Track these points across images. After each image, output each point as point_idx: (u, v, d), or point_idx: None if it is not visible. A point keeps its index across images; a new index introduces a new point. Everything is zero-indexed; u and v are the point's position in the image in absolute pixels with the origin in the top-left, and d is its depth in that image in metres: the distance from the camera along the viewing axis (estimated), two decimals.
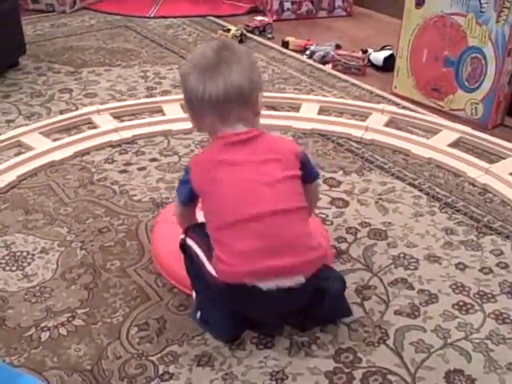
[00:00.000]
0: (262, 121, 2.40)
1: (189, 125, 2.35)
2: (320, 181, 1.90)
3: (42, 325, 1.46)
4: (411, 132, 2.37)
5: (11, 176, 2.03)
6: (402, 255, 1.71)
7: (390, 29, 3.22)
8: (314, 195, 1.61)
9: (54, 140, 2.28)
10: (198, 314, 1.45)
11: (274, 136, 1.54)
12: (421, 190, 2.01)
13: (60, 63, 3.00)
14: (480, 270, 1.65)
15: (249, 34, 3.35)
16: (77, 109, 2.54)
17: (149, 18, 3.69)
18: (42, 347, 1.40)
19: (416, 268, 1.66)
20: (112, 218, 1.85)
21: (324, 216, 1.87)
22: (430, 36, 2.55)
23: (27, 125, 2.39)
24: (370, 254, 1.71)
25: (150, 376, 1.33)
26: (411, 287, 1.59)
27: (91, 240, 1.75)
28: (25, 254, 1.70)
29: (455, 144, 2.28)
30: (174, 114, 2.46)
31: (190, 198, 1.46)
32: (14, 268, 1.65)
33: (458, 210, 1.91)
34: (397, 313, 1.51)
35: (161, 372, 1.34)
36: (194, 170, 1.42)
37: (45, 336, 1.43)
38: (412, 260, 1.69)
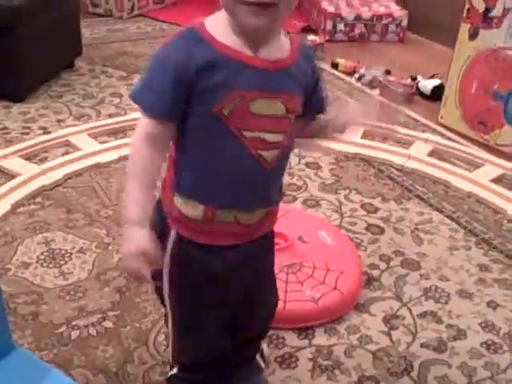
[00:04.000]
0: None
1: None
2: None
3: (74, 323, 1.50)
4: (454, 164, 2.35)
5: (58, 174, 2.09)
6: (433, 288, 1.70)
7: (441, 57, 3.20)
8: None
9: (101, 142, 2.34)
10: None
11: None
12: (458, 224, 2.00)
13: (113, 67, 3.07)
14: None
15: None
16: (125, 113, 2.59)
17: None
18: (72, 345, 1.43)
19: (447, 302, 1.65)
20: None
21: (359, 241, 1.87)
22: (481, 69, 2.53)
23: (77, 125, 2.45)
24: (402, 284, 1.71)
25: None
26: (440, 321, 1.58)
27: None
28: (63, 252, 1.75)
29: (498, 180, 2.26)
30: None
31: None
32: (51, 265, 1.69)
33: (495, 248, 1.89)
34: (423, 345, 1.51)
35: None
36: None
37: (75, 334, 1.46)
38: (443, 293, 1.68)
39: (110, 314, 1.54)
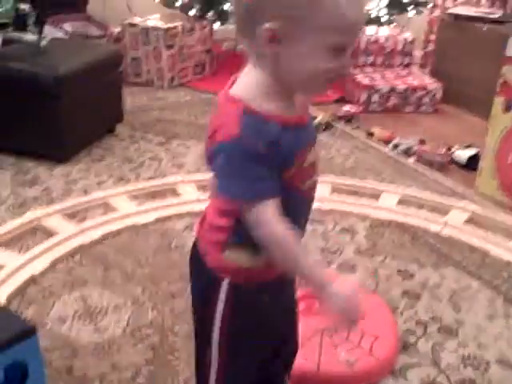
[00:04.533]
0: (340, 206, 2.42)
1: None
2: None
3: (107, 379, 1.49)
4: (491, 232, 2.33)
5: (96, 233, 2.13)
6: (472, 355, 1.66)
7: (476, 129, 3.23)
8: None
9: (139, 204, 2.38)
10: None
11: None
12: (497, 292, 1.96)
13: (153, 133, 3.16)
14: None
15: (335, 124, 3.43)
16: (164, 177, 2.65)
17: None
18: None
19: (486, 370, 1.61)
20: (185, 284, 1.89)
21: (395, 307, 1.85)
22: None
23: (116, 187, 2.51)
24: (439, 350, 1.67)
25: None
26: None
27: (163, 302, 1.80)
28: (99, 308, 1.76)
29: None
30: None
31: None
32: (87, 321, 1.71)
33: None
34: None
35: None
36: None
37: None
38: (482, 361, 1.64)
39: (143, 370, 1.53)
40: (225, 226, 1.03)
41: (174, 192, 2.51)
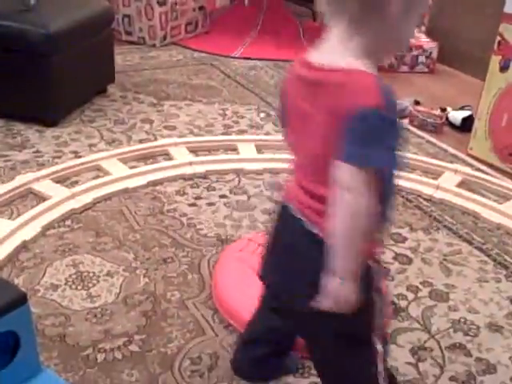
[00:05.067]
0: None
1: (261, 166, 2.41)
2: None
3: (100, 346, 1.50)
4: (483, 195, 2.33)
5: (87, 198, 2.12)
6: (462, 320, 1.68)
7: (472, 89, 3.20)
8: None
9: (131, 167, 2.37)
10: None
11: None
12: (488, 256, 1.97)
13: (145, 94, 3.12)
14: None
15: None
16: (155, 139, 2.63)
17: (234, 57, 3.80)
18: (97, 368, 1.44)
19: (476, 335, 1.63)
20: (177, 249, 1.90)
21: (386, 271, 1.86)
22: None
23: (107, 150, 2.49)
24: (429, 315, 1.68)
25: None
26: (469, 354, 1.56)
27: (155, 269, 1.80)
28: (91, 274, 1.76)
29: None
30: (248, 153, 2.51)
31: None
32: (79, 287, 1.71)
33: None
34: (452, 379, 1.48)
35: None
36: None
37: (101, 357, 1.47)
38: (472, 326, 1.66)
39: (136, 337, 1.54)
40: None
41: (166, 155, 2.50)
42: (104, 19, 3.00)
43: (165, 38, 3.95)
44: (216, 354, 1.50)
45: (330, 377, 1.17)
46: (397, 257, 1.94)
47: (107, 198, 2.16)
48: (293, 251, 1.06)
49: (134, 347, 1.51)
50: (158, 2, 3.81)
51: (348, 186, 0.92)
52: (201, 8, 4.15)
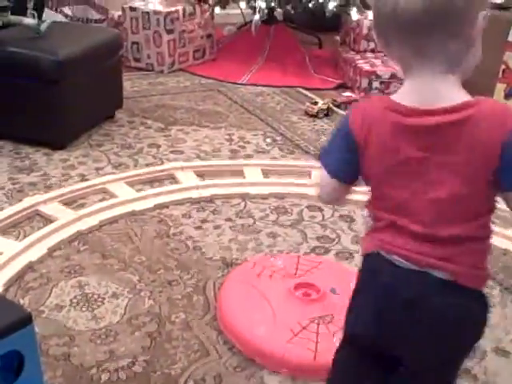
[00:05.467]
0: None
1: (266, 190, 2.42)
2: None
3: (104, 366, 1.50)
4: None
5: (94, 220, 2.13)
6: None
7: None
8: None
9: (138, 190, 2.38)
10: None
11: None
12: (494, 280, 1.96)
13: (152, 119, 3.15)
14: None
15: (335, 109, 3.42)
16: (162, 163, 2.65)
17: (241, 84, 3.84)
18: None
19: (482, 359, 1.61)
20: (182, 272, 1.90)
21: None
22: None
23: (114, 173, 2.51)
24: None
25: None
26: (475, 378, 1.54)
27: (160, 291, 1.80)
28: (96, 296, 1.77)
29: None
30: (254, 177, 2.53)
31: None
32: (84, 308, 1.71)
33: None
34: None
35: None
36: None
37: (105, 377, 1.47)
38: (479, 351, 1.64)
39: (140, 358, 1.54)
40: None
41: (172, 179, 2.51)
42: (113, 46, 3.05)
43: (173, 64, 4.00)
44: (220, 375, 1.50)
45: None
46: None
47: (113, 220, 2.17)
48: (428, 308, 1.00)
49: (137, 368, 1.50)
50: (165, 30, 3.87)
51: None
52: (209, 36, 4.20)
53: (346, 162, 1.06)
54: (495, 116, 0.94)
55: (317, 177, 1.10)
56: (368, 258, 1.07)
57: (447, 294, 0.98)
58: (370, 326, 1.05)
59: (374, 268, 1.05)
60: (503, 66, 2.57)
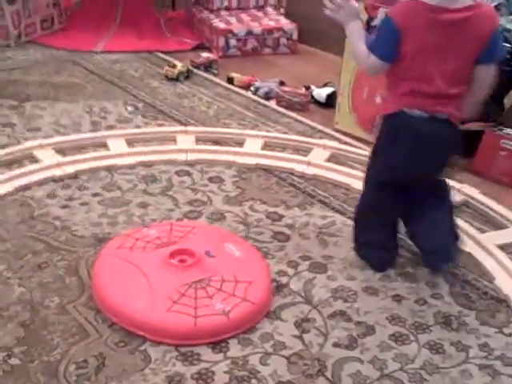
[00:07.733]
0: (206, 156, 2.43)
1: (133, 160, 2.37)
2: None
3: None
4: (352, 167, 2.42)
5: None
6: (340, 288, 1.74)
7: (333, 66, 3.30)
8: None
9: None
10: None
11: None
12: None
13: (3, 97, 2.97)
14: (416, 302, 1.70)
15: (195, 70, 3.39)
16: (19, 143, 2.51)
17: (96, 52, 3.70)
18: None
19: (354, 300, 1.70)
20: (52, 254, 1.83)
21: (266, 250, 1.89)
22: None
23: None
24: (310, 287, 1.74)
25: None
26: (349, 319, 1.62)
27: (30, 276, 1.73)
28: None
29: None
30: (119, 148, 2.46)
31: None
32: None
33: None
34: (335, 345, 1.54)
35: None
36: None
37: None
38: (351, 292, 1.73)
39: (16, 350, 1.47)
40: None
41: (32, 158, 2.39)
42: None
43: (19, 37, 3.78)
44: (102, 354, 1.47)
45: None
46: (275, 235, 1.98)
47: None
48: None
49: (14, 360, 1.44)
50: (6, 1, 3.63)
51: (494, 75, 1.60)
52: (55, 4, 4.00)
53: (393, 48, 1.55)
54: (488, 16, 1.54)
55: (361, 59, 1.66)
56: (393, 116, 1.63)
57: (445, 127, 1.60)
58: (411, 154, 1.63)
59: (401, 119, 1.61)
60: None
